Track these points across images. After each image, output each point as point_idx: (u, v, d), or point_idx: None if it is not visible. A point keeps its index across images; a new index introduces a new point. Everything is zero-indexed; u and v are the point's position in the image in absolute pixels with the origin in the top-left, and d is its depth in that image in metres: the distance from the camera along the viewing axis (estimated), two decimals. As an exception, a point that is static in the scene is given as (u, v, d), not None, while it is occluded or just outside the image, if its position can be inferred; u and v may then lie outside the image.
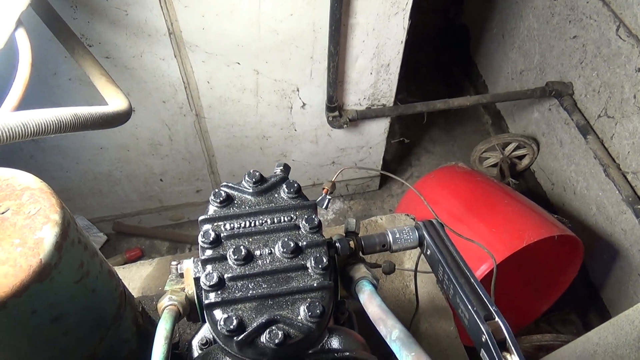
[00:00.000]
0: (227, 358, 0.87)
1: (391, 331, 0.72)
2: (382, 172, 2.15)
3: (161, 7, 1.56)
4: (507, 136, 2.67)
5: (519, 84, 2.73)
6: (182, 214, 2.54)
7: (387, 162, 2.90)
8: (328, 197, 1.52)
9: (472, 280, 0.80)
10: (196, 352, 1.14)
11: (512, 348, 0.67)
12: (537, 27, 2.49)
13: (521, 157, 2.75)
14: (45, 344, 0.87)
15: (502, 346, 0.68)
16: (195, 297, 0.93)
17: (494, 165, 2.75)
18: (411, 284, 1.62)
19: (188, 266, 0.96)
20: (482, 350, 0.70)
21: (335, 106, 2.03)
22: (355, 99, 2.09)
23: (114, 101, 1.15)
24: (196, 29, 1.65)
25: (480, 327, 0.69)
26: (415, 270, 1.18)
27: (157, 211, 2.47)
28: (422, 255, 0.96)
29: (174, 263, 1.01)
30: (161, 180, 2.26)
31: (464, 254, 1.84)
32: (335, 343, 0.93)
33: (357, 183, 2.72)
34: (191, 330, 1.45)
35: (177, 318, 0.89)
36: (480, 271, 1.69)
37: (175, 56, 1.72)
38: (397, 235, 0.95)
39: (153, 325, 1.31)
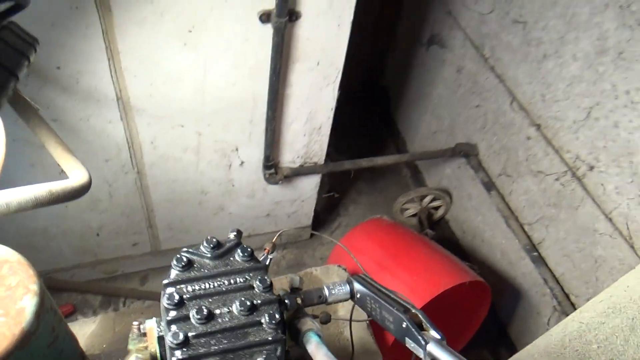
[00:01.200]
0: (191, 409, 0.97)
1: (337, 377, 0.87)
2: (313, 232, 2.32)
3: (111, 75, 1.66)
4: (424, 190, 2.97)
5: (433, 143, 3.06)
6: (116, 267, 2.55)
7: (318, 213, 3.09)
8: (270, 256, 1.67)
9: (391, 294, 0.97)
10: None
11: (428, 325, 0.85)
12: (447, 95, 2.84)
13: (437, 208, 3.05)
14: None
15: (421, 328, 0.85)
16: (159, 355, 1.03)
17: (414, 215, 3.02)
18: (345, 331, 1.77)
19: (151, 325, 1.06)
20: (406, 338, 0.86)
21: (271, 164, 2.20)
22: (290, 157, 2.27)
23: (74, 173, 1.23)
24: (144, 95, 1.77)
25: (401, 318, 0.87)
26: (350, 320, 1.35)
27: (92, 265, 2.46)
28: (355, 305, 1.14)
29: (135, 323, 1.10)
30: (98, 234, 2.28)
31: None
32: (285, 389, 1.06)
33: (289, 233, 2.87)
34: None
35: (144, 374, 0.98)
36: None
37: (121, 119, 1.81)
38: (332, 289, 1.12)
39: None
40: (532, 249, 2.23)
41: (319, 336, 1.05)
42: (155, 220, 2.35)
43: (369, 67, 3.76)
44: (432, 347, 0.80)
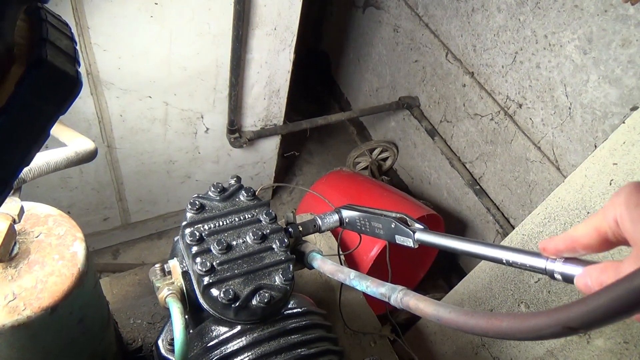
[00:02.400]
0: (221, 327, 1.14)
1: (348, 274, 1.06)
2: (268, 190, 2.48)
3: (81, 51, 1.72)
4: (373, 143, 3.20)
5: (375, 99, 3.28)
6: (88, 243, 2.59)
7: (276, 175, 3.25)
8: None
9: (377, 210, 1.15)
10: (163, 350, 1.37)
11: (412, 221, 1.05)
12: (386, 54, 3.06)
13: (385, 159, 3.30)
14: (69, 344, 1.05)
15: (406, 224, 1.04)
16: (184, 289, 1.18)
17: (365, 168, 3.26)
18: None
19: (174, 264, 1.20)
20: (396, 236, 1.05)
21: (235, 129, 2.33)
22: (251, 121, 2.41)
23: (80, 141, 1.32)
24: (113, 68, 1.83)
25: (389, 220, 1.06)
26: (339, 254, 1.55)
27: (64, 244, 2.50)
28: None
29: (157, 265, 1.23)
30: (69, 212, 2.31)
31: (358, 240, 2.25)
32: (297, 303, 1.25)
33: (252, 196, 3.02)
34: (152, 334, 1.63)
35: (181, 301, 1.14)
36: (373, 252, 2.12)
37: (91, 94, 1.87)
38: (324, 219, 1.30)
39: (121, 338, 1.49)
40: (474, 183, 2.53)
41: (321, 254, 1.24)
42: (125, 194, 2.42)
43: (306, 33, 3.89)
44: (419, 234, 0.99)
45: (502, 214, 2.42)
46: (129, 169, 2.29)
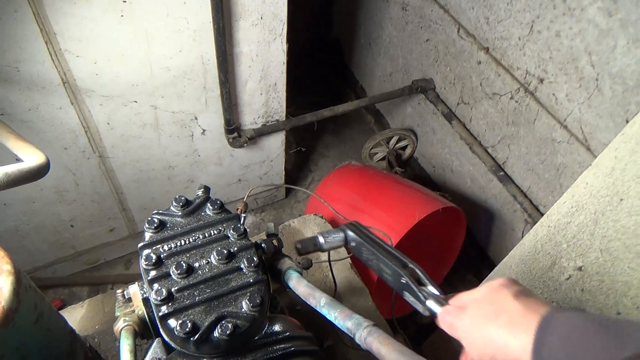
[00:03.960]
0: None
1: (319, 300, 0.91)
2: (286, 185, 2.34)
3: (52, 59, 1.62)
4: (389, 131, 3.00)
5: (390, 84, 3.08)
6: (97, 256, 2.54)
7: (289, 172, 3.12)
8: (243, 215, 1.70)
9: (388, 247, 1.00)
10: None
11: (426, 281, 0.88)
12: (396, 35, 2.85)
13: (404, 148, 3.10)
14: (14, 388, 0.94)
15: (419, 283, 0.88)
16: (146, 316, 1.06)
17: (383, 159, 3.07)
18: (330, 274, 1.82)
19: (134, 290, 1.08)
20: (405, 292, 0.89)
21: (233, 128, 2.19)
22: (250, 118, 2.27)
23: (30, 156, 1.22)
24: (90, 75, 1.73)
25: (399, 274, 0.89)
26: (329, 260, 1.39)
27: (72, 258, 2.45)
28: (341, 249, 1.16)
29: (118, 291, 1.12)
30: (72, 226, 2.26)
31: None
32: (275, 327, 1.10)
33: (265, 195, 2.89)
34: (139, 356, 1.53)
35: (135, 336, 1.01)
36: (385, 251, 1.94)
37: (72, 104, 1.77)
38: (328, 237, 1.11)
39: (100, 358, 1.39)
40: (498, 169, 2.31)
41: (299, 272, 1.09)
42: (127, 203, 2.34)
43: (316, 20, 3.72)
44: (431, 303, 0.81)
45: (530, 202, 2.19)
46: (126, 178, 2.20)
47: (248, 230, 2.79)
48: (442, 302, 0.79)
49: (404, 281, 0.88)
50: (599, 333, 0.49)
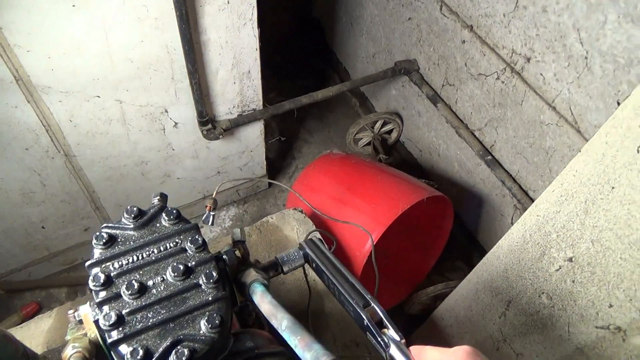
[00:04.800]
0: (143, 387, 0.92)
1: (281, 322, 0.82)
2: (259, 178, 2.24)
3: (1, 55, 1.50)
4: (373, 115, 2.90)
5: (373, 66, 2.96)
6: (74, 256, 2.45)
7: (272, 161, 3.02)
8: (212, 213, 1.60)
9: (351, 279, 0.92)
10: None
11: (387, 324, 0.80)
12: (378, 13, 2.72)
13: (390, 132, 3.00)
14: None
15: (380, 325, 0.81)
16: (100, 339, 0.97)
17: (368, 144, 2.97)
18: (310, 272, 1.75)
19: (85, 311, 0.99)
20: (367, 333, 0.83)
21: (206, 120, 2.08)
22: (225, 109, 2.15)
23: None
24: (45, 71, 1.61)
25: (361, 315, 0.82)
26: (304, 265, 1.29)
27: (47, 259, 2.35)
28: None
29: (70, 312, 1.03)
30: (43, 227, 2.17)
31: (350, 235, 2.03)
32: (241, 344, 1.02)
33: (247, 186, 2.80)
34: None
35: (84, 363, 0.92)
36: (368, 245, 1.86)
37: (28, 101, 1.66)
38: (286, 259, 1.08)
39: (64, 376, 1.31)
40: (486, 153, 2.22)
41: (265, 285, 1.00)
42: (100, 202, 2.24)
43: (295, 2, 3.57)
44: (394, 351, 0.74)
45: (520, 186, 2.11)
46: (96, 176, 2.10)
47: (229, 223, 2.70)
48: (405, 351, 0.72)
49: (365, 324, 0.82)
50: None
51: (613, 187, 1.28)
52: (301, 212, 1.89)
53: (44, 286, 2.43)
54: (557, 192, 1.45)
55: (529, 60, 1.84)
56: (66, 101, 1.73)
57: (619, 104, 1.59)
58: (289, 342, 0.78)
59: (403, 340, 0.74)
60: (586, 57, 1.60)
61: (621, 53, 1.48)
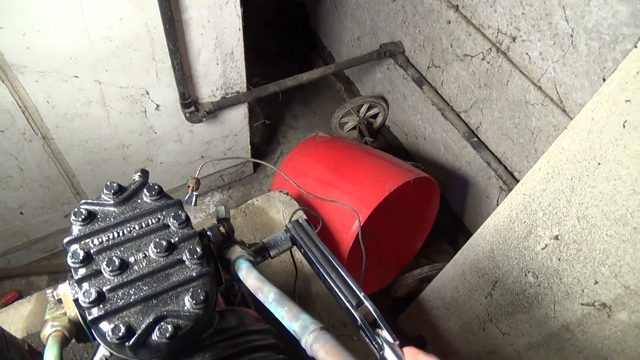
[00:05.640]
0: (125, 365, 0.90)
1: (267, 295, 0.80)
2: (245, 159, 2.21)
3: (-28, 32, 1.44)
4: (358, 99, 2.88)
5: (358, 49, 2.93)
6: (54, 243, 2.39)
7: (256, 145, 2.98)
8: (195, 193, 1.57)
9: (342, 272, 0.89)
10: None
11: (381, 324, 0.78)
12: (363, -5, 2.69)
13: (375, 116, 2.98)
14: None
15: (374, 325, 0.78)
16: (80, 318, 0.94)
17: (354, 129, 2.95)
18: (296, 253, 1.73)
19: (64, 290, 0.95)
20: (361, 331, 0.81)
21: (189, 102, 2.04)
22: (208, 91, 2.11)
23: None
24: (20, 49, 1.55)
25: (354, 315, 0.80)
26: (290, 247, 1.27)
27: (26, 247, 2.30)
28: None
29: (48, 291, 0.99)
30: (22, 213, 2.11)
31: (337, 216, 2.01)
32: (227, 322, 1.00)
33: (231, 171, 2.76)
34: (88, 354, 1.43)
35: (63, 343, 0.89)
36: (355, 226, 1.85)
37: (2, 81, 1.60)
38: (272, 243, 1.05)
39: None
40: (472, 135, 2.21)
41: (251, 262, 0.98)
42: (81, 187, 2.18)
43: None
44: (388, 353, 0.72)
45: (505, 168, 2.11)
46: (76, 160, 2.04)
47: (214, 208, 2.65)
48: (399, 354, 0.70)
49: (359, 324, 0.79)
50: None
51: (599, 163, 1.28)
52: (287, 194, 1.87)
53: (24, 274, 2.37)
54: (543, 170, 1.45)
55: (514, 39, 1.83)
56: (43, 81, 1.68)
57: (604, 80, 1.59)
58: (276, 314, 0.76)
59: (397, 342, 0.72)
60: (571, 35, 1.60)
61: (606, 30, 1.48)
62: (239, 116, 2.35)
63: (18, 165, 1.91)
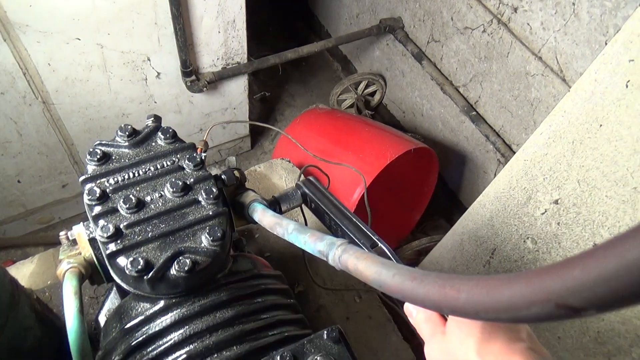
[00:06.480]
0: (142, 302, 0.91)
1: (287, 228, 0.81)
2: (252, 122, 2.21)
3: (-25, -14, 1.42)
4: (357, 76, 2.88)
5: (357, 27, 2.94)
6: (50, 214, 2.38)
7: (253, 121, 2.97)
8: (203, 154, 1.57)
9: (354, 219, 0.92)
10: None
11: (396, 262, 0.80)
12: (363, -29, 2.69)
13: (373, 94, 3.00)
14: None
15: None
16: (94, 258, 0.94)
17: (351, 106, 2.96)
18: (299, 218, 1.74)
19: (79, 230, 0.96)
20: None
21: (190, 70, 2.03)
22: (209, 60, 2.11)
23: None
24: (22, 6, 1.53)
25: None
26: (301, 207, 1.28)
27: (22, 217, 2.28)
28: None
29: (62, 233, 0.99)
30: (19, 181, 2.09)
31: (339, 183, 2.03)
32: (241, 265, 1.01)
33: (229, 147, 2.76)
34: (94, 311, 1.43)
35: (80, 278, 0.90)
36: (356, 194, 1.86)
37: (4, 40, 1.58)
38: (284, 198, 1.07)
39: (51, 312, 1.28)
40: (470, 109, 2.24)
41: (264, 204, 0.99)
42: (79, 156, 2.17)
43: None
44: None
45: (503, 141, 2.14)
46: (76, 127, 2.03)
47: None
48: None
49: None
50: None
51: (601, 125, 1.30)
52: (289, 162, 1.88)
53: (20, 245, 2.35)
54: (545, 134, 1.47)
55: (516, 10, 1.85)
56: (45, 42, 1.66)
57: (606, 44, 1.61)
58: (297, 243, 0.77)
59: None
60: (573, 3, 1.62)
61: (609, -3, 1.50)
62: (238, 88, 2.35)
63: (17, 130, 1.89)
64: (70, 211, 2.44)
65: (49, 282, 1.49)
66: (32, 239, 2.37)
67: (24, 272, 1.54)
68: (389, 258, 0.82)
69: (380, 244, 0.85)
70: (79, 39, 1.72)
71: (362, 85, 2.89)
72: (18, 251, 2.35)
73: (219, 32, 2.01)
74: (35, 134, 1.94)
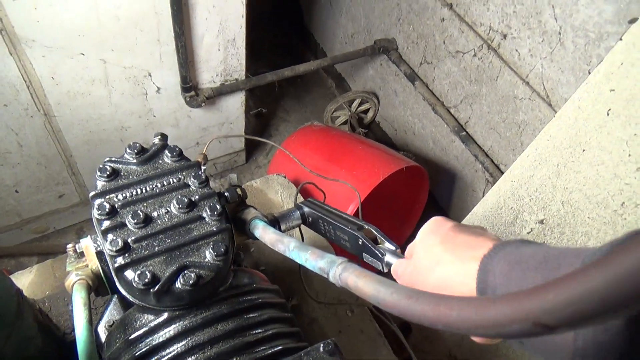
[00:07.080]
0: (146, 314, 0.95)
1: (288, 245, 0.86)
2: (249, 136, 2.26)
3: (-15, 3, 1.47)
4: (351, 94, 2.95)
5: (351, 46, 3.01)
6: (46, 224, 2.40)
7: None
8: (203, 167, 1.62)
9: (343, 214, 0.99)
10: (104, 336, 1.17)
11: (382, 238, 0.87)
12: (359, -7, 2.78)
13: (366, 112, 3.07)
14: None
15: (376, 242, 0.87)
16: (101, 271, 0.98)
17: (345, 123, 3.03)
18: (295, 233, 1.78)
19: (87, 243, 1.00)
20: (363, 254, 0.89)
21: (190, 86, 2.08)
22: (208, 76, 2.16)
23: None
24: (30, 22, 1.58)
25: (356, 236, 0.89)
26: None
27: (18, 226, 2.30)
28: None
29: (69, 245, 1.03)
30: (16, 191, 2.12)
31: (333, 198, 2.08)
32: (241, 279, 1.05)
33: (223, 160, 2.80)
34: (94, 320, 1.45)
35: (89, 290, 0.94)
36: (350, 210, 1.92)
37: (10, 54, 1.62)
38: (284, 217, 1.12)
39: (52, 322, 1.31)
40: (460, 129, 2.31)
41: (265, 221, 1.04)
42: (77, 167, 2.20)
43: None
44: (389, 257, 0.81)
45: (492, 161, 2.21)
46: (75, 139, 2.06)
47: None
48: (399, 255, 0.81)
49: (361, 242, 0.88)
50: (539, 268, 0.49)
51: (584, 150, 1.37)
52: (284, 177, 1.92)
53: (14, 254, 2.37)
54: (531, 157, 1.53)
55: (505, 36, 1.93)
56: (49, 56, 1.70)
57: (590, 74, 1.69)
58: (298, 260, 0.81)
59: (399, 250, 0.81)
60: (560, 33, 1.70)
61: (592, 28, 1.58)
62: (235, 104, 2.40)
63: (18, 141, 1.92)
64: (65, 221, 2.46)
65: (47, 293, 1.52)
66: (26, 249, 2.39)
67: (23, 282, 1.56)
68: (374, 237, 0.89)
69: (365, 226, 0.92)
70: (83, 54, 1.77)
71: (355, 103, 2.96)
72: (12, 260, 2.36)
73: (219, 49, 2.07)
74: (35, 145, 1.98)
